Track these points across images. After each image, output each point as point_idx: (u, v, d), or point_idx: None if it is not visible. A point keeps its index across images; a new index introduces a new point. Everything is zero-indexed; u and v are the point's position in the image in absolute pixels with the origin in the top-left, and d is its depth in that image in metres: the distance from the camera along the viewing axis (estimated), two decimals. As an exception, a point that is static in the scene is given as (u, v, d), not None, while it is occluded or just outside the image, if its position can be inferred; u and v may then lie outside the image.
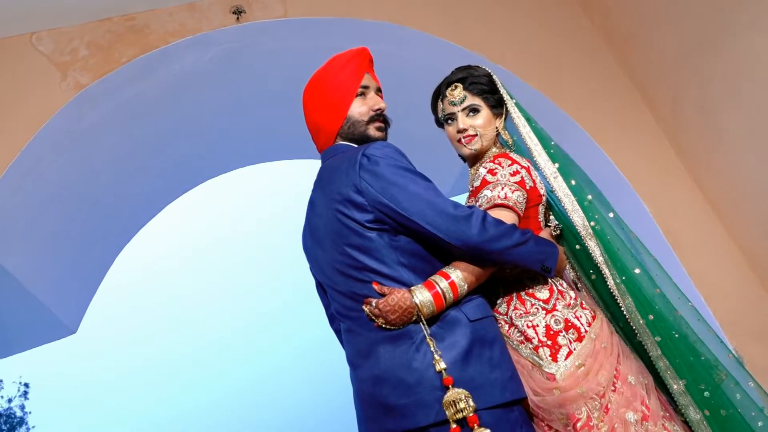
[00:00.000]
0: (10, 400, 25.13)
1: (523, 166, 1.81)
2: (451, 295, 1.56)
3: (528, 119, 1.93)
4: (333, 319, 1.87)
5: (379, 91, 1.87)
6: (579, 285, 1.90)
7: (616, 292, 1.69)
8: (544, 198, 1.85)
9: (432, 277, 1.58)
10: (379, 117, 1.81)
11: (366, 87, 1.81)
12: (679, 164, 3.75)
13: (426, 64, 4.05)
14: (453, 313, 1.58)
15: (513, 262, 1.63)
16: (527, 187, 1.78)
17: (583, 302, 1.76)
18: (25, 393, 25.50)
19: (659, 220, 3.65)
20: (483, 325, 1.60)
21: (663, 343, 1.62)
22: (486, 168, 1.80)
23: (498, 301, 1.77)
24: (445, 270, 1.60)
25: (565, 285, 1.78)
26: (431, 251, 1.63)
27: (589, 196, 1.83)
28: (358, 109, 1.78)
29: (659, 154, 3.80)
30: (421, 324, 1.54)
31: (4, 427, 24.70)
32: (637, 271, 1.71)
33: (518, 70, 3.94)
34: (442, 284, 1.56)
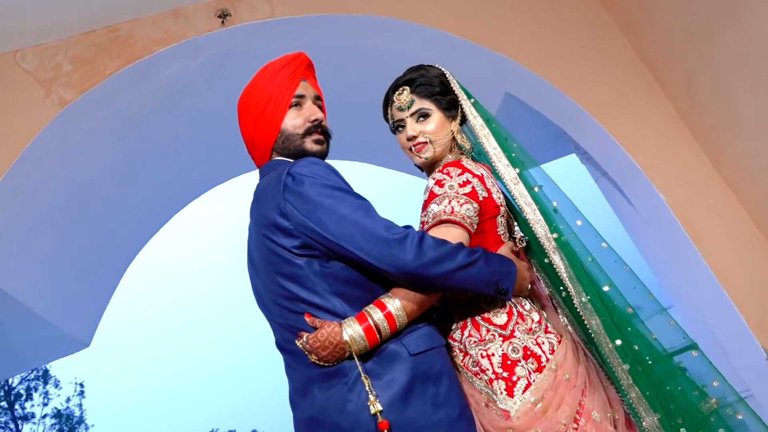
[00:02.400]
0: (68, 400, 26.03)
1: (475, 175, 1.63)
2: (387, 327, 1.40)
3: (487, 120, 1.75)
4: None
5: (318, 99, 1.71)
6: (554, 302, 1.72)
7: (582, 313, 1.50)
8: (502, 209, 1.66)
9: (366, 308, 1.42)
10: (317, 128, 1.65)
11: (301, 96, 1.65)
12: (697, 148, 3.48)
13: (420, 56, 3.86)
14: (392, 346, 1.42)
15: (459, 286, 1.45)
16: (480, 199, 1.60)
17: (549, 325, 1.57)
18: (82, 392, 26.38)
19: (676, 210, 3.40)
20: (427, 358, 1.43)
21: (633, 370, 1.42)
22: (434, 179, 1.62)
23: (452, 327, 1.60)
24: (382, 299, 1.43)
25: (527, 306, 1.59)
26: (370, 277, 1.46)
27: (555, 203, 1.64)
28: (292, 122, 1.61)
29: (675, 139, 3.53)
30: (356, 360, 1.39)
31: (65, 426, 25.63)
32: (606, 288, 1.52)
33: (521, 58, 3.72)
34: (376, 316, 1.40)
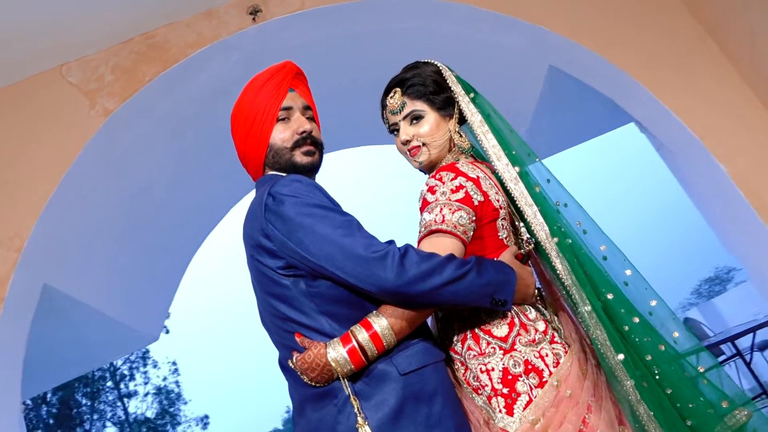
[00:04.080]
0: (165, 378, 27.58)
1: (470, 178, 1.52)
2: (373, 348, 1.35)
3: (487, 116, 1.63)
4: None
5: (307, 109, 1.66)
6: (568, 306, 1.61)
7: (587, 322, 1.39)
8: (502, 211, 1.56)
9: (352, 328, 1.37)
10: (306, 140, 1.60)
11: (288, 108, 1.60)
12: (762, 113, 3.19)
13: (456, 34, 3.74)
14: (381, 366, 1.37)
15: (450, 302, 1.37)
16: (474, 204, 1.50)
17: (556, 335, 1.47)
18: (176, 370, 27.86)
19: (739, 182, 3.14)
20: (419, 377, 1.37)
21: (639, 385, 1.31)
22: (427, 185, 1.54)
23: (454, 339, 1.53)
24: (369, 318, 1.38)
25: (532, 315, 1.49)
26: (358, 295, 1.41)
27: (557, 202, 1.53)
28: (280, 135, 1.58)
29: (737, 105, 3.25)
30: (344, 382, 1.36)
31: (165, 401, 27.24)
32: (610, 296, 1.40)
33: (564, 28, 3.52)
34: (361, 336, 1.35)
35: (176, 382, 27.78)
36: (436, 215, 1.47)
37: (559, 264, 1.45)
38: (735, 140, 3.19)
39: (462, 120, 1.68)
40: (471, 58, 3.98)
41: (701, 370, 1.39)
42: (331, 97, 4.32)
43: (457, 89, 1.64)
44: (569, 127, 4.59)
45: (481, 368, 1.43)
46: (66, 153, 3.35)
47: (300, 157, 1.59)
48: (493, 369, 1.42)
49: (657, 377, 1.33)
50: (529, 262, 1.65)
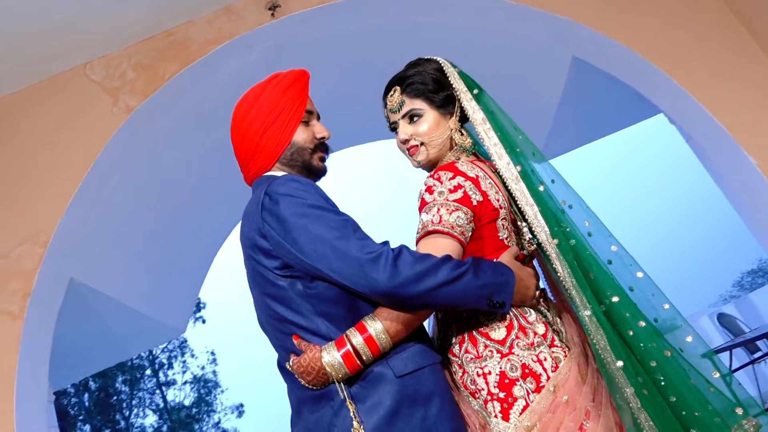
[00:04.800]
0: (203, 367, 28.10)
1: (468, 178, 1.49)
2: (368, 352, 1.33)
3: (490, 113, 1.59)
4: None
5: (319, 117, 1.70)
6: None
7: (588, 326, 1.35)
8: (502, 211, 1.52)
9: (347, 332, 1.36)
10: (323, 147, 1.65)
11: (310, 113, 1.65)
12: (795, 105, 3.07)
13: (483, 26, 3.68)
14: (377, 368, 1.35)
15: (445, 304, 1.35)
16: (473, 204, 1.47)
17: (556, 338, 1.43)
18: (214, 360, 28.36)
19: (770, 175, 3.03)
20: (416, 379, 1.36)
21: (639, 392, 1.26)
22: (425, 185, 1.51)
23: (452, 341, 1.50)
24: (365, 321, 1.36)
25: (532, 318, 1.45)
26: (355, 296, 1.39)
27: (563, 201, 1.49)
28: (303, 136, 1.61)
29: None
30: (340, 385, 1.35)
31: (202, 390, 27.77)
32: (615, 299, 1.35)
33: (589, 18, 3.43)
34: (355, 340, 1.33)
35: (214, 372, 28.27)
36: (434, 216, 1.44)
37: (559, 266, 1.41)
38: (765, 133, 3.07)
39: (465, 118, 1.64)
40: (492, 50, 3.93)
41: (715, 375, 1.34)
42: (351, 92, 4.31)
43: (459, 86, 1.61)
44: (595, 119, 4.49)
45: (477, 372, 1.41)
46: (90, 150, 3.42)
47: (317, 162, 1.63)
48: (489, 372, 1.39)
49: (662, 384, 1.28)
50: (534, 262, 1.61)
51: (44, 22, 3.26)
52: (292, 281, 1.42)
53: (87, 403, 22.73)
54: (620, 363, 1.27)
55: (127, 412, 24.04)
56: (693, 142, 3.90)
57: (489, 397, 1.37)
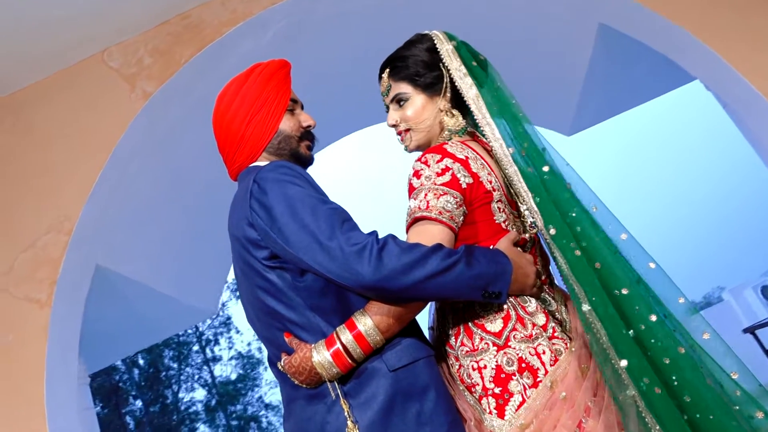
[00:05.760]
0: (249, 343, 28.70)
1: (457, 159, 1.41)
2: (358, 349, 1.28)
3: (489, 89, 1.49)
4: None
5: (303, 107, 1.68)
6: None
7: (588, 321, 1.26)
8: (496, 193, 1.44)
9: (337, 329, 1.32)
10: (309, 135, 1.63)
11: (295, 101, 1.63)
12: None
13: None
14: (371, 363, 1.31)
15: (437, 296, 1.29)
16: (462, 186, 1.39)
17: (558, 329, 1.36)
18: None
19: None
20: (411, 372, 1.31)
21: (649, 392, 1.16)
22: (413, 169, 1.44)
23: (449, 333, 1.44)
24: (354, 316, 1.32)
25: (531, 308, 1.38)
26: (346, 288, 1.34)
27: (568, 185, 1.39)
28: (289, 124, 1.59)
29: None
30: (332, 383, 1.31)
31: (247, 365, 28.42)
32: (625, 291, 1.26)
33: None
34: (345, 338, 1.29)
35: (259, 348, 28.85)
36: (421, 201, 1.37)
37: (559, 255, 1.33)
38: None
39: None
40: (514, 20, 3.79)
41: (734, 376, 1.24)
42: (367, 67, 4.22)
43: (451, 63, 1.52)
44: (625, 89, 4.30)
45: (473, 366, 1.35)
46: (109, 137, 3.43)
47: (304, 150, 1.61)
48: (485, 367, 1.33)
49: (675, 384, 1.19)
50: (544, 246, 1.53)
51: (62, 11, 3.26)
52: (281, 272, 1.38)
53: (137, 379, 23.52)
54: (624, 362, 1.19)
55: (176, 387, 24.79)
56: (729, 109, 3.71)
57: (483, 393, 1.31)
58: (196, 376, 26.36)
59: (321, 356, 1.28)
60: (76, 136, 3.45)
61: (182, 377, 25.12)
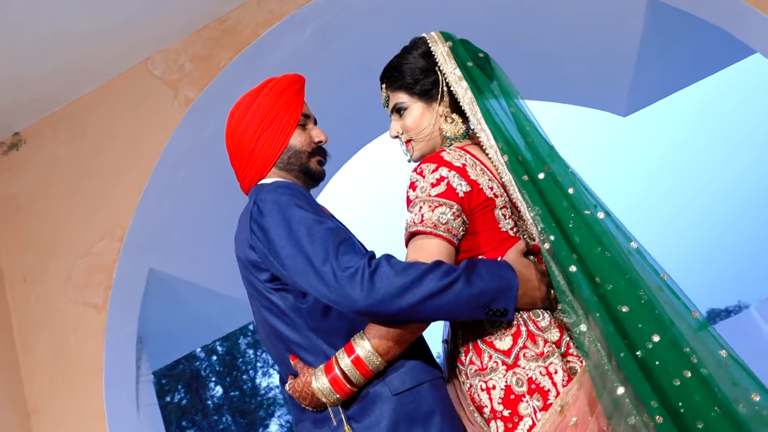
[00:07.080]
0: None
1: (453, 167, 1.34)
2: (357, 374, 1.25)
3: (486, 92, 1.41)
4: None
5: (316, 122, 1.66)
6: None
7: (581, 342, 1.18)
8: (498, 200, 1.36)
9: (337, 353, 1.29)
10: (322, 150, 1.62)
11: (307, 117, 1.61)
12: None
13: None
14: (374, 387, 1.28)
15: (437, 317, 1.23)
16: (459, 195, 1.32)
17: (572, 345, 1.28)
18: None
19: None
20: (415, 396, 1.27)
21: (652, 418, 1.08)
22: (409, 180, 1.38)
23: (460, 349, 1.38)
24: (354, 340, 1.29)
25: (545, 322, 1.30)
26: None
27: (570, 190, 1.30)
28: (299, 139, 1.58)
29: None
30: (338, 407, 1.29)
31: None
32: (624, 309, 1.17)
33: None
34: (343, 363, 1.26)
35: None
36: (415, 215, 1.32)
37: (555, 269, 1.25)
38: None
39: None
40: (560, 1, 3.63)
41: (755, 398, 1.13)
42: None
43: (446, 67, 1.44)
44: (681, 65, 4.04)
45: (481, 386, 1.29)
46: (156, 144, 3.52)
47: (315, 165, 1.60)
48: (494, 387, 1.27)
49: (682, 411, 1.10)
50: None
51: (108, 22, 3.35)
52: (283, 294, 1.37)
53: (216, 365, 24.41)
54: (621, 390, 1.10)
55: (252, 373, 25.58)
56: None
57: (492, 415, 1.26)
58: (271, 362, 27.08)
59: (320, 383, 1.27)
60: (125, 144, 3.56)
61: (258, 364, 25.85)
